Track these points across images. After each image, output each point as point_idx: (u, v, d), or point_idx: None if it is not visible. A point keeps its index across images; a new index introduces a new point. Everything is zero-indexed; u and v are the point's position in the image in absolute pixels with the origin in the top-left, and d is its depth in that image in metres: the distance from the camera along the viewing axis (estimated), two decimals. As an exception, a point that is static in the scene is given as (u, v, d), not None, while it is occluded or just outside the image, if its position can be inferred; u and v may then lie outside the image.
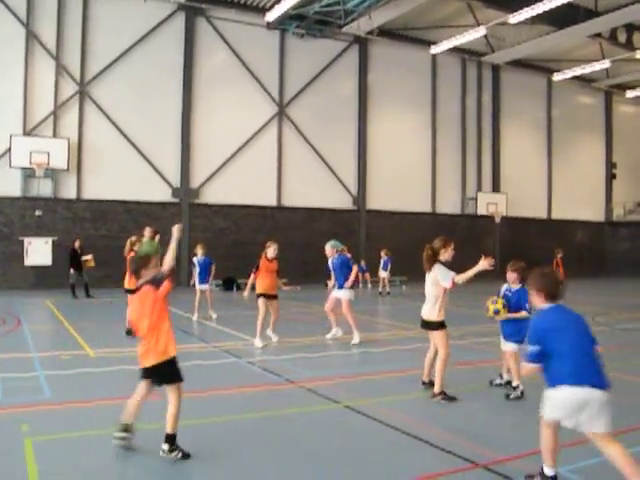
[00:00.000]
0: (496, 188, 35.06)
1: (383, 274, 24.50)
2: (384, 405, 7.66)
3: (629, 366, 10.48)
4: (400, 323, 15.77)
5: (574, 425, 4.69)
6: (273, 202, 28.60)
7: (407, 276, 27.20)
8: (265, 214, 28.29)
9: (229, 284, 25.50)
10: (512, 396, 7.95)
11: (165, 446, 5.67)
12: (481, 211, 33.44)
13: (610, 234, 39.49)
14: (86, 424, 6.87)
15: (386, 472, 5.50)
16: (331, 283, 13.26)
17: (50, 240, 24.28)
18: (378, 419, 7.04)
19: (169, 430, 5.71)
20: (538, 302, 4.96)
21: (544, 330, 4.77)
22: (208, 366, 10.23)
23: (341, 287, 12.74)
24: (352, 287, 12.81)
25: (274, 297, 12.57)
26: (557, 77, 35.54)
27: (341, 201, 30.28)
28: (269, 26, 27.84)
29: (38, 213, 24.24)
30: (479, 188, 34.34)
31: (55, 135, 24.49)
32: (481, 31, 27.74)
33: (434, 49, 30.37)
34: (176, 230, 6.55)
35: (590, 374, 4.63)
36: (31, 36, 24.27)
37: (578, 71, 34.15)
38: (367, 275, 27.52)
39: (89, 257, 21.58)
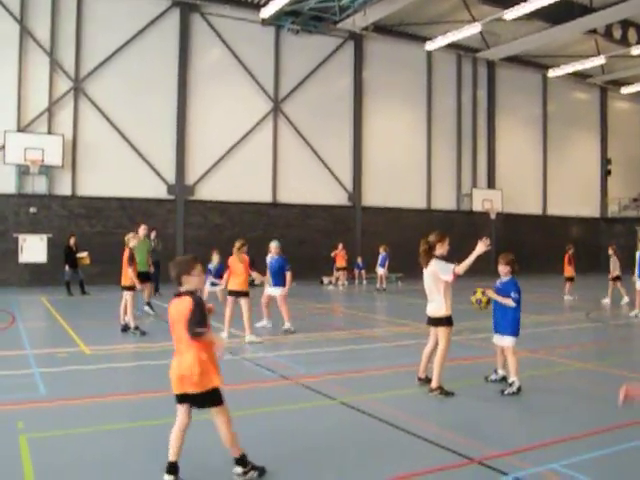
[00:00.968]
0: (491, 184, 35.10)
1: (380, 270, 24.52)
2: (379, 401, 7.68)
3: (622, 361, 10.52)
4: (395, 319, 15.79)
5: None
6: (268, 198, 28.57)
7: (403, 272, 27.21)
8: (260, 210, 28.26)
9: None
10: (507, 392, 7.97)
11: (238, 469, 5.21)
12: (476, 207, 33.46)
13: (605, 230, 39.59)
14: (81, 421, 6.86)
15: (381, 467, 5.50)
16: (266, 279, 13.90)
17: (45, 237, 24.22)
18: (373, 415, 7.05)
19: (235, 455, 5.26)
20: None
21: None
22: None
23: (276, 285, 13.58)
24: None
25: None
26: (552, 73, 35.52)
27: (337, 197, 30.28)
28: (264, 22, 27.78)
29: (33, 210, 24.16)
30: (474, 184, 34.37)
31: (50, 132, 24.39)
32: (476, 27, 27.70)
33: (429, 45, 30.33)
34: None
35: None
36: (25, 33, 24.14)
37: (573, 67, 34.12)
38: (363, 272, 27.54)
39: (84, 254, 21.54)
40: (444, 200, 33.57)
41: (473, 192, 33.77)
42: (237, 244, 12.62)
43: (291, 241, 26.69)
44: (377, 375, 9.35)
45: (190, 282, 5.15)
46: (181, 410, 5.23)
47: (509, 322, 8.07)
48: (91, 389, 8.27)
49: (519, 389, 7.97)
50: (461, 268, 7.73)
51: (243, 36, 27.92)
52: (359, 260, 27.87)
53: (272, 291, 13.66)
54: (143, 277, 15.24)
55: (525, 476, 5.25)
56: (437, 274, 7.91)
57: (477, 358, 10.46)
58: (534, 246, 34.35)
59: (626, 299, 19.00)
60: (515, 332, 8.04)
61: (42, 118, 24.43)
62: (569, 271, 21.20)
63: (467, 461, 5.61)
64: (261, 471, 5.25)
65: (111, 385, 8.57)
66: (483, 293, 8.12)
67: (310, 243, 28.61)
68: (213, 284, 16.18)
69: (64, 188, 24.81)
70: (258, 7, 27.01)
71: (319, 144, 29.63)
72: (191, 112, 26.92)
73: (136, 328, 12.74)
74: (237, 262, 12.40)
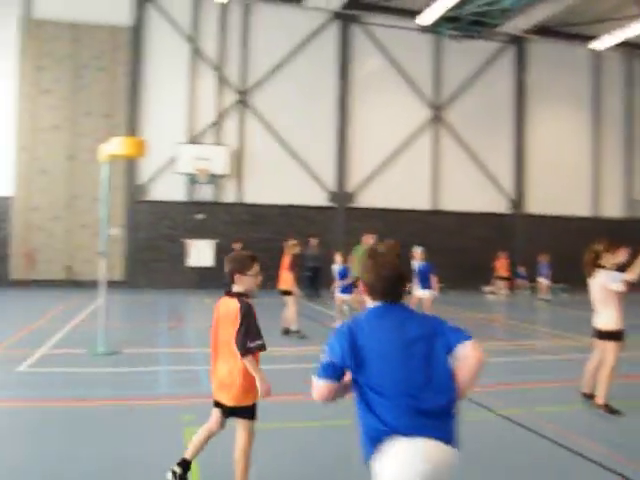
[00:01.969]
0: (667, 191, 32.74)
1: (542, 280, 23.55)
2: (541, 415, 7.31)
3: None
4: (558, 332, 15.05)
5: None
6: (428, 206, 28.30)
7: (568, 283, 25.92)
8: (420, 218, 28.03)
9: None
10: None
11: None
12: (650, 215, 31.32)
13: None
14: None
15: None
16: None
17: (212, 242, 25.40)
18: (534, 430, 6.72)
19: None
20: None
21: None
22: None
23: (425, 288, 14.51)
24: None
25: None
26: None
27: (498, 205, 29.42)
28: (423, 29, 27.61)
29: (201, 216, 25.44)
30: (648, 190, 32.18)
31: (217, 142, 25.62)
32: (648, 23, 25.96)
33: (595, 44, 28.79)
34: None
35: None
36: (195, 50, 25.59)
37: None
38: (525, 282, 26.57)
39: (248, 259, 22.28)
40: (613, 207, 31.65)
41: (647, 198, 31.63)
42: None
43: (451, 249, 26.27)
44: (539, 388, 8.92)
45: (243, 282, 4.83)
46: (216, 414, 4.98)
47: None
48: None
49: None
50: (632, 275, 7.17)
51: (402, 44, 27.90)
52: (521, 269, 26.92)
53: (421, 294, 14.38)
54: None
55: None
56: (605, 285, 7.38)
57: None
58: None
59: None
60: None
61: (210, 130, 25.70)
62: None
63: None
64: None
65: (278, 386, 8.72)
66: None
67: (470, 251, 27.98)
68: (344, 290, 15.41)
69: (230, 196, 25.92)
70: (417, 15, 26.89)
71: (479, 150, 28.98)
72: (351, 121, 27.25)
73: (297, 331, 13.11)
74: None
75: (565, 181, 30.30)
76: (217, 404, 4.89)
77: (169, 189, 25.18)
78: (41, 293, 21.02)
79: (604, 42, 28.24)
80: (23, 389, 8.18)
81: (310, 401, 3.43)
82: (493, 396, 8.24)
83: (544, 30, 29.10)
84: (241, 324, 4.55)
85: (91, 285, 23.30)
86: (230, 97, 25.99)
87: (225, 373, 4.71)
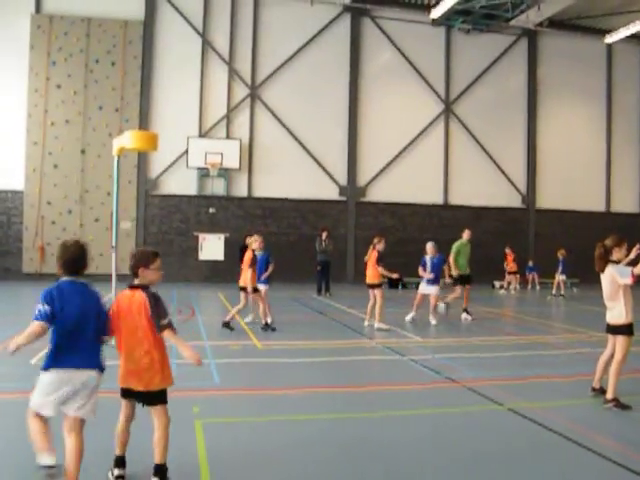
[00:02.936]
0: (681, 185, 32.49)
1: (559, 276, 23.42)
2: (550, 410, 7.30)
3: None
4: (570, 326, 15.00)
5: None
6: (439, 200, 28.25)
7: (579, 278, 25.84)
8: (431, 212, 28.02)
9: (393, 282, 25.38)
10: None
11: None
12: (663, 210, 31.12)
13: None
14: (251, 411, 7.12)
15: None
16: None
17: (222, 236, 25.50)
18: (542, 424, 6.70)
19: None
20: None
21: None
22: (370, 362, 10.26)
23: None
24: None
25: (378, 286, 13.83)
26: None
27: (509, 199, 29.34)
28: (434, 23, 27.52)
29: (212, 210, 25.54)
30: (661, 185, 31.98)
31: (228, 136, 25.70)
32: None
33: (609, 38, 28.59)
34: None
35: None
36: (207, 45, 25.67)
37: None
38: (536, 276, 26.50)
39: (259, 253, 22.38)
40: (625, 202, 31.47)
41: (659, 194, 31.43)
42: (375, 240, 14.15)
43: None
44: (549, 383, 8.90)
45: (146, 276, 4.90)
46: (127, 405, 4.98)
47: None
48: (262, 381, 8.55)
49: None
50: (638, 271, 7.18)
51: (413, 38, 27.84)
52: (530, 263, 26.85)
53: (428, 290, 14.71)
54: (464, 280, 15.61)
55: None
56: (615, 278, 7.38)
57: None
58: None
59: None
60: None
61: (221, 124, 25.76)
62: None
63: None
64: None
65: (281, 379, 8.79)
66: None
67: (482, 246, 27.76)
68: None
69: (241, 190, 25.99)
70: (428, 8, 26.81)
71: (491, 144, 28.88)
72: (362, 115, 27.23)
73: (266, 325, 13.13)
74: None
75: (577, 176, 30.15)
76: (128, 392, 4.88)
77: (180, 183, 25.30)
78: (54, 286, 21.12)
79: (618, 35, 28.00)
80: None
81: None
82: (501, 389, 8.24)
83: (557, 23, 28.94)
84: (153, 308, 4.72)
85: (103, 279, 23.44)
86: (241, 91, 26.04)
87: (136, 361, 4.76)
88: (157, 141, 11.04)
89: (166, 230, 25.23)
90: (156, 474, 4.74)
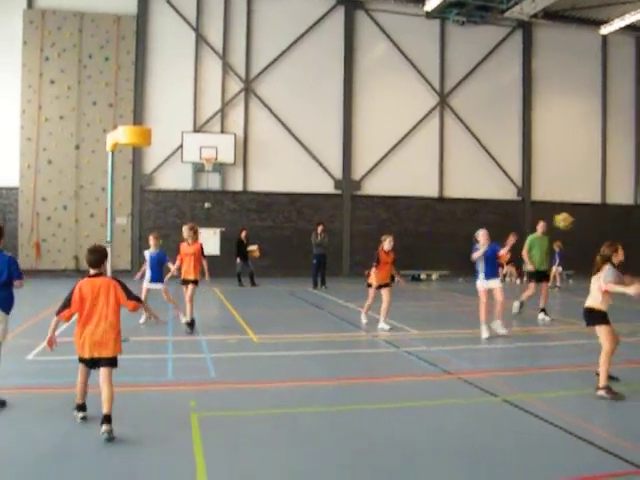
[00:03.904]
0: (675, 176, 32.53)
1: (556, 268, 23.45)
2: (544, 401, 7.32)
3: None
4: (566, 318, 15.03)
5: None
6: (435, 193, 28.24)
7: (574, 270, 25.87)
8: (427, 205, 28.01)
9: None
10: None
11: (107, 427, 5.79)
12: (658, 201, 31.16)
13: None
14: (248, 404, 7.13)
15: (543, 470, 5.26)
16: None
17: (218, 231, 25.48)
18: (537, 415, 6.73)
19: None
20: None
21: None
22: (365, 354, 10.28)
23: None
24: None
25: (388, 285, 12.80)
26: None
27: (505, 192, 29.33)
28: (428, 15, 27.46)
29: (207, 205, 25.51)
30: (656, 177, 32.00)
31: (222, 131, 25.63)
32: (659, 7, 25.73)
33: (604, 29, 28.55)
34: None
35: None
36: (200, 40, 25.57)
37: None
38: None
39: (254, 247, 22.44)
40: (621, 194, 31.49)
41: (654, 185, 31.46)
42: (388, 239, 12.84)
43: (458, 236, 26.17)
44: (543, 374, 8.91)
45: (104, 267, 6.35)
46: (84, 368, 6.28)
47: None
48: (258, 375, 8.55)
49: None
50: (611, 287, 7.34)
51: (407, 30, 27.78)
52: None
53: (492, 284, 12.19)
54: (539, 276, 14.94)
55: None
56: (601, 277, 7.53)
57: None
58: None
59: None
60: None
61: (216, 118, 25.70)
62: None
63: (637, 470, 5.21)
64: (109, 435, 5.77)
65: (277, 372, 8.80)
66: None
67: (477, 238, 27.90)
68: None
69: (236, 184, 25.97)
70: (422, 0, 26.74)
71: (486, 137, 28.86)
72: (357, 108, 27.20)
73: (189, 323, 11.95)
74: (385, 256, 12.77)
75: (573, 168, 30.15)
76: (87, 361, 6.14)
77: (175, 178, 25.25)
78: (50, 283, 21.12)
79: (613, 26, 27.98)
80: (34, 377, 8.26)
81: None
82: (498, 381, 8.27)
83: (552, 15, 28.89)
84: (122, 288, 6.16)
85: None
86: (235, 85, 25.98)
87: (101, 333, 6.01)
88: (151, 136, 10.99)
89: (162, 225, 25.13)
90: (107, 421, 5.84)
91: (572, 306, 17.66)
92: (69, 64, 24.43)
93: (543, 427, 6.36)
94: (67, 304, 6.08)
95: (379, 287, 12.79)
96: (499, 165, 29.14)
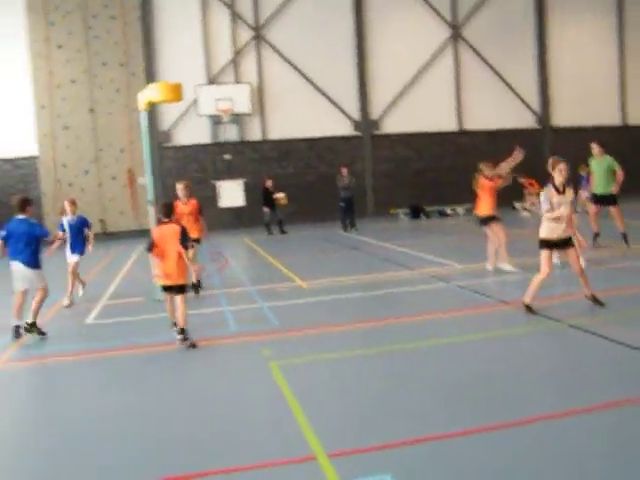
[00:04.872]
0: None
1: (583, 193, 23.22)
2: (611, 323, 7.31)
3: None
4: (603, 242, 14.87)
5: None
6: (454, 127, 27.90)
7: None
8: (447, 140, 27.69)
9: (415, 212, 25.34)
10: None
11: (180, 336, 7.47)
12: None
13: None
14: (319, 348, 7.19)
15: (614, 388, 5.33)
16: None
17: (241, 182, 25.38)
18: (608, 337, 6.72)
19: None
20: None
21: None
22: (418, 292, 10.28)
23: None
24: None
25: (493, 218, 11.57)
26: None
27: (525, 120, 28.88)
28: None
29: (227, 157, 25.35)
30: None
31: (237, 81, 25.31)
32: None
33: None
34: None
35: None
36: (205, -13, 25.06)
37: None
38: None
39: (281, 195, 22.33)
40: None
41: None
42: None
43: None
44: (604, 298, 8.83)
45: (173, 216, 8.06)
46: (169, 295, 7.81)
47: None
48: (320, 319, 8.60)
49: None
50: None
51: (416, -39, 27.04)
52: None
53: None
54: (603, 200, 13.79)
55: None
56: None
57: None
58: None
59: None
60: None
61: (228, 69, 25.36)
62: None
63: None
64: (192, 345, 7.44)
65: (333, 316, 8.84)
66: None
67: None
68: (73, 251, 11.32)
69: (255, 133, 25.76)
70: None
71: (502, 65, 28.24)
72: (370, 47, 26.71)
73: (194, 285, 10.65)
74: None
75: (591, 91, 29.51)
76: (167, 288, 7.73)
77: (193, 133, 25.06)
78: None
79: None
80: (99, 340, 8.36)
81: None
82: (557, 307, 8.28)
83: None
84: (183, 232, 7.66)
85: (125, 236, 23.54)
86: (246, 33, 25.53)
87: (173, 266, 7.56)
88: (182, 91, 10.92)
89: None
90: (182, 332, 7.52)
91: (605, 230, 17.54)
92: (75, 26, 24.02)
93: (615, 348, 6.38)
94: (151, 246, 7.71)
95: (486, 221, 11.59)
96: (516, 93, 28.63)
